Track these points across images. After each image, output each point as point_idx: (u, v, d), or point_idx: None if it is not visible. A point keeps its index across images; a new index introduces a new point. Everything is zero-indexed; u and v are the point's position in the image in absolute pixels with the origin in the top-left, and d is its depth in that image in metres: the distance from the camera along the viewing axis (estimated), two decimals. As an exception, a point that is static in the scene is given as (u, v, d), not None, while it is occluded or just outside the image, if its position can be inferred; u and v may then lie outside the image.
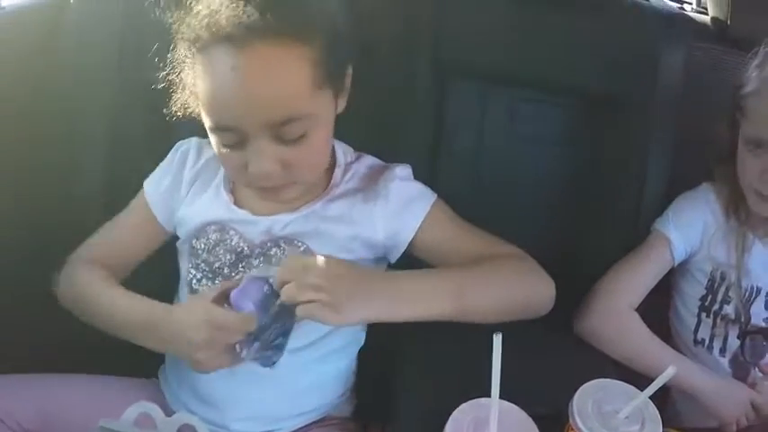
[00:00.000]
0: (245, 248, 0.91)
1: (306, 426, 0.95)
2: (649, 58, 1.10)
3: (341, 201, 0.92)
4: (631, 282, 1.05)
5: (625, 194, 1.12)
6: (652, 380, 0.67)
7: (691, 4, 1.43)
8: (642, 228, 1.10)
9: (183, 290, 0.95)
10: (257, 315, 0.76)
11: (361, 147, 0.99)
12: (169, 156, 0.99)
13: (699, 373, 1.00)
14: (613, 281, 1.05)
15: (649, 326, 1.03)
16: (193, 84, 0.81)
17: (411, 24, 1.05)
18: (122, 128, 1.07)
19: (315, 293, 0.73)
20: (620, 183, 1.14)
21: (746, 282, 1.04)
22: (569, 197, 1.18)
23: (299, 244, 0.90)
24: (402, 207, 0.91)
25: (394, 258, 0.93)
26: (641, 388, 0.68)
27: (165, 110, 0.86)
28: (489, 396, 0.65)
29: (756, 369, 1.05)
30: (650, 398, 0.67)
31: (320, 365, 0.94)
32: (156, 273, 1.00)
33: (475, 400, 0.67)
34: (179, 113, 0.86)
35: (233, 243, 0.91)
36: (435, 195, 0.94)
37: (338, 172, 0.94)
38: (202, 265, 0.92)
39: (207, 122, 0.81)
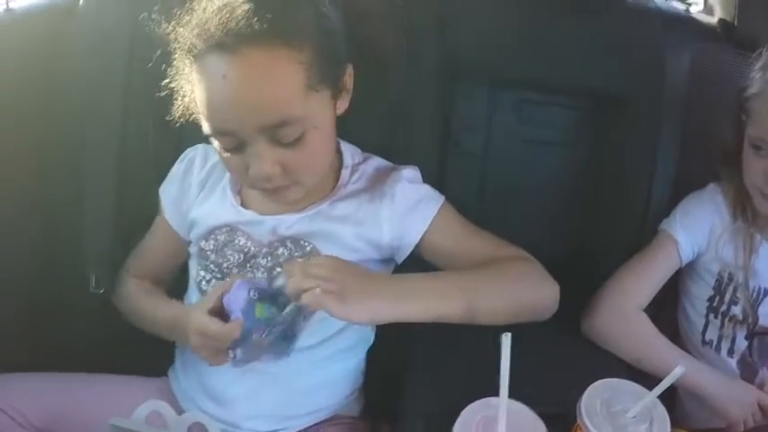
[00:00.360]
0: (253, 248, 0.91)
1: (315, 425, 0.95)
2: (655, 59, 1.10)
3: (347, 201, 0.92)
4: (639, 282, 1.05)
5: (632, 195, 1.12)
6: (660, 380, 0.67)
7: (697, 5, 1.43)
8: (649, 229, 1.10)
9: (193, 290, 0.96)
10: (243, 320, 0.76)
11: (368, 147, 1.00)
12: (175, 165, 1.00)
13: (706, 373, 1.00)
14: (621, 281, 1.05)
15: (657, 326, 1.03)
16: (192, 91, 0.82)
17: (419, 26, 1.06)
18: (131, 131, 1.08)
19: (320, 281, 0.73)
20: (626, 184, 1.14)
21: (754, 282, 1.04)
22: (576, 198, 1.18)
23: (306, 244, 0.90)
24: (409, 209, 0.91)
25: (401, 259, 0.94)
26: (650, 388, 0.68)
27: (167, 117, 0.87)
28: (498, 395, 0.65)
29: (764, 370, 1.05)
30: (658, 398, 0.67)
31: (330, 364, 0.94)
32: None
33: (484, 400, 0.67)
34: (182, 119, 0.87)
35: (240, 243, 0.92)
36: (443, 198, 0.94)
37: (345, 173, 0.94)
38: (211, 266, 0.93)
39: (205, 128, 0.82)
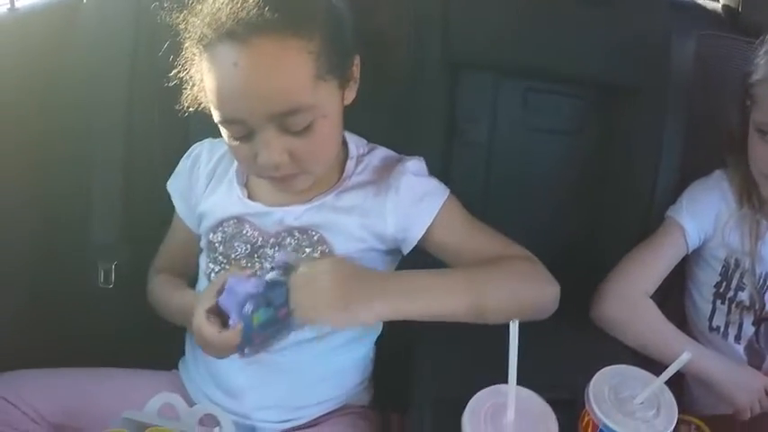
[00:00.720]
0: (260, 239, 0.92)
1: (325, 414, 0.96)
2: (660, 46, 1.10)
3: (353, 192, 0.92)
4: (645, 269, 1.05)
5: (638, 183, 1.12)
6: (667, 366, 0.67)
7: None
8: (656, 216, 1.10)
9: (203, 282, 0.97)
10: (242, 327, 0.76)
11: (374, 138, 1.00)
12: (182, 161, 1.01)
13: (713, 359, 1.01)
14: (627, 268, 1.05)
15: (664, 313, 1.03)
16: (201, 80, 0.83)
17: (423, 15, 1.05)
18: (136, 124, 1.08)
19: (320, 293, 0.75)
20: (632, 171, 1.14)
21: (760, 268, 1.04)
22: (582, 187, 1.18)
23: (314, 233, 0.91)
24: (414, 203, 0.91)
25: (407, 251, 0.94)
26: (657, 375, 0.68)
27: (176, 106, 0.88)
28: (507, 383, 0.65)
29: (771, 355, 1.05)
30: (666, 384, 0.68)
31: (338, 354, 0.95)
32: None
33: (493, 387, 0.68)
34: (191, 109, 0.87)
35: (248, 235, 0.92)
36: (448, 191, 0.94)
37: (350, 164, 0.94)
38: (220, 257, 0.94)
39: (215, 116, 0.82)
